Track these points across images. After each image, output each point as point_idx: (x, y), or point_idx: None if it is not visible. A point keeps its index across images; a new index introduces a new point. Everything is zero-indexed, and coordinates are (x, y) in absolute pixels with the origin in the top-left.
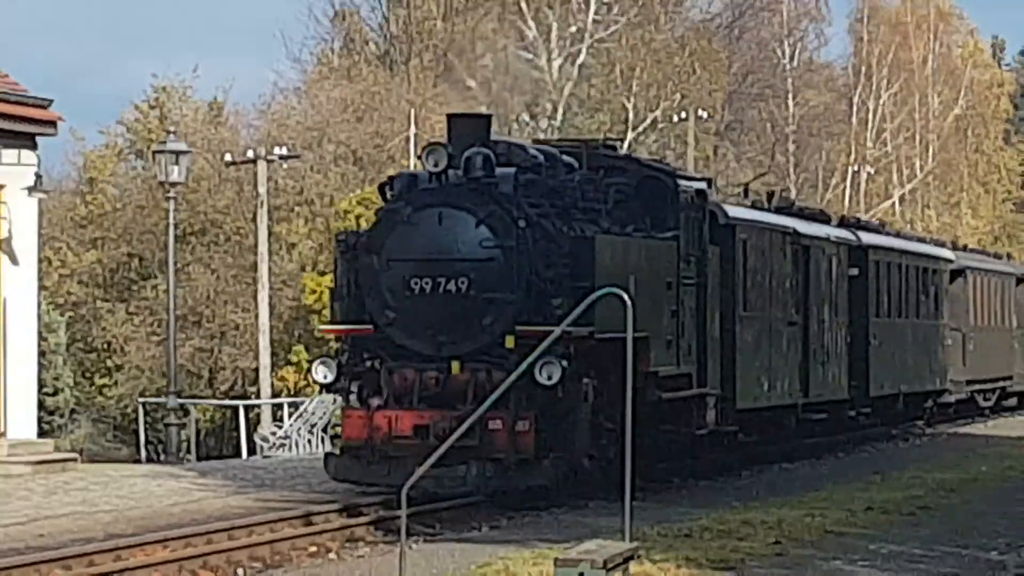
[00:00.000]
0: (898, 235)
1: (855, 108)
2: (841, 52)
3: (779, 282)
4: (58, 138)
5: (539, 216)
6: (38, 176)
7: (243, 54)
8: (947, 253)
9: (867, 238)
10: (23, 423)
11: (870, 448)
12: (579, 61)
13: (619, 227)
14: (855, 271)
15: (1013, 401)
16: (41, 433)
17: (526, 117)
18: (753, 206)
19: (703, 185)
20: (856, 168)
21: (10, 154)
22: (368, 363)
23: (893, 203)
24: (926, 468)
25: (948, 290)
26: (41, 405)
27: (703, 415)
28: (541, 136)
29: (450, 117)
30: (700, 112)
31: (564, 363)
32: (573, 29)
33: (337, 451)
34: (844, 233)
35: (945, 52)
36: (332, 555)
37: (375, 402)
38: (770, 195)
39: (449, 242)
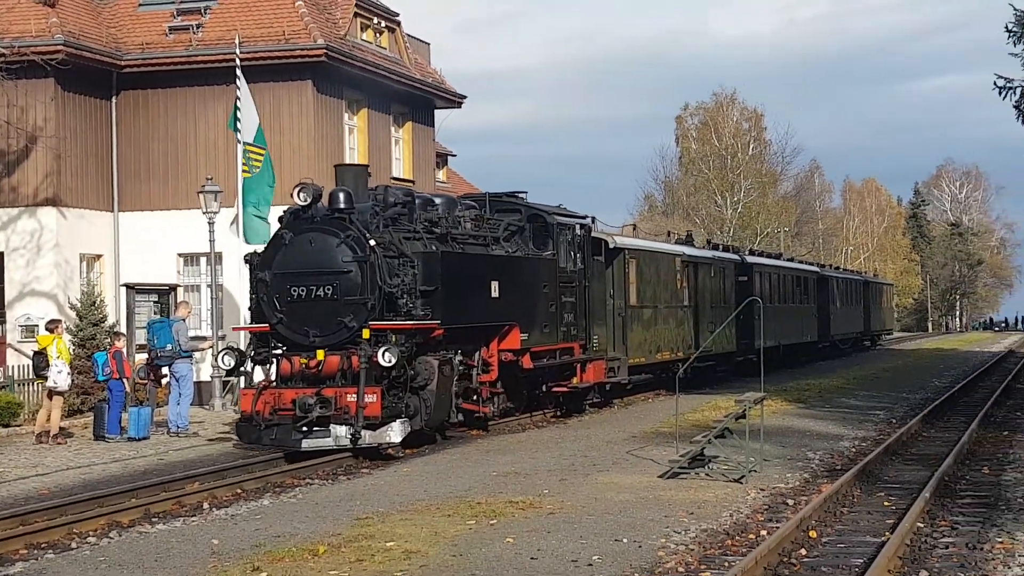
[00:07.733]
0: (779, 257)
1: (844, 225)
2: (840, 203)
3: (670, 284)
4: None
5: (405, 238)
6: None
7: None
8: (814, 269)
9: (751, 259)
10: None
11: (840, 357)
12: (738, 210)
13: (508, 249)
14: (744, 278)
15: (868, 342)
16: None
17: (718, 232)
18: (680, 242)
19: (587, 222)
20: (844, 248)
21: None
22: (265, 353)
23: (861, 260)
24: (877, 363)
25: (818, 288)
26: None
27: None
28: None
29: (336, 167)
30: (785, 228)
31: (402, 349)
32: (735, 198)
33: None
34: (732, 256)
35: (878, 203)
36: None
37: (263, 383)
38: (688, 235)
39: (318, 259)
